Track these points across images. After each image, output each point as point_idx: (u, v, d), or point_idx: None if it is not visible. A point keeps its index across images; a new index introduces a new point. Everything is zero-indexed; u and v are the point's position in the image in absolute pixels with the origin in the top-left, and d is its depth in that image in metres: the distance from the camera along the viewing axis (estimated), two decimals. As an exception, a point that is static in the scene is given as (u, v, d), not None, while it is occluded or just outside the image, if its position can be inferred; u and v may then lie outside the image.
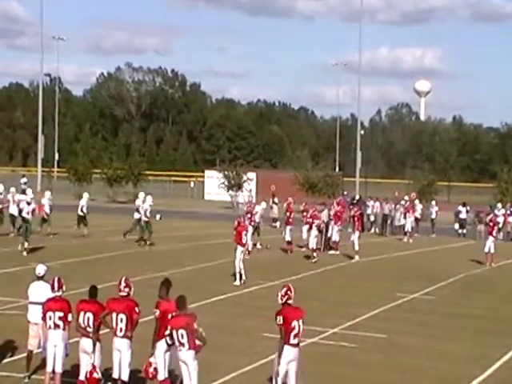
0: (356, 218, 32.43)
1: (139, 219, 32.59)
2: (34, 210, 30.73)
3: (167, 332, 11.90)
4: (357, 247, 31.23)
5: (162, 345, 12.26)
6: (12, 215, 34.15)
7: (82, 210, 34.50)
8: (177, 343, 11.76)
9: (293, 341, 12.08)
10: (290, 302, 12.26)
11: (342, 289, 24.71)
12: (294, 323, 12.08)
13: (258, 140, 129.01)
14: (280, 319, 12.06)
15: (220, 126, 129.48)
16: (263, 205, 30.27)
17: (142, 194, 34.13)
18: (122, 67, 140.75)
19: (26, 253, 28.45)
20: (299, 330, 12.13)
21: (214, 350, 12.33)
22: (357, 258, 31.05)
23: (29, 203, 30.33)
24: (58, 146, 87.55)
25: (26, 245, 28.94)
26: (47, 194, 35.84)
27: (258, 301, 20.92)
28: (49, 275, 13.90)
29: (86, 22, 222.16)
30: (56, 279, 12.97)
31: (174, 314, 11.97)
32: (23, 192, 36.78)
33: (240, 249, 24.57)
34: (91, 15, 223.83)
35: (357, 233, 31.65)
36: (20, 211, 31.73)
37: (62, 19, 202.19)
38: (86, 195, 35.94)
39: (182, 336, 11.69)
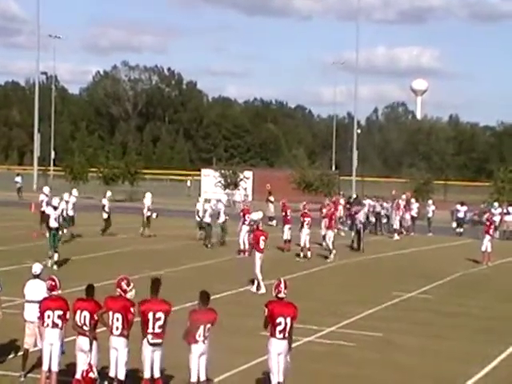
0: (330, 217, 32.04)
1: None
2: (62, 216, 27.62)
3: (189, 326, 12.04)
4: (331, 246, 31.08)
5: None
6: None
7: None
8: (201, 337, 12.03)
9: (278, 335, 12.11)
10: (280, 295, 12.28)
11: (338, 288, 24.70)
12: (280, 319, 12.07)
13: (254, 139, 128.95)
14: (266, 311, 12.16)
15: (216, 125, 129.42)
16: (260, 214, 29.97)
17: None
18: (118, 66, 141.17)
19: (57, 266, 25.23)
20: (285, 327, 12.10)
21: (209, 348, 12.30)
22: (332, 257, 30.69)
23: (55, 208, 26.70)
24: (54, 144, 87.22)
25: (56, 256, 25.68)
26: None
27: (254, 299, 20.88)
28: (45, 274, 13.88)
29: (82, 20, 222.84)
30: (50, 279, 12.94)
31: (195, 308, 12.32)
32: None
33: (258, 255, 23.32)
34: (88, 13, 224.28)
35: (330, 232, 31.37)
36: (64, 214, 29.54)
37: (58, 17, 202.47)
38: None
39: (209, 330, 12.09)
